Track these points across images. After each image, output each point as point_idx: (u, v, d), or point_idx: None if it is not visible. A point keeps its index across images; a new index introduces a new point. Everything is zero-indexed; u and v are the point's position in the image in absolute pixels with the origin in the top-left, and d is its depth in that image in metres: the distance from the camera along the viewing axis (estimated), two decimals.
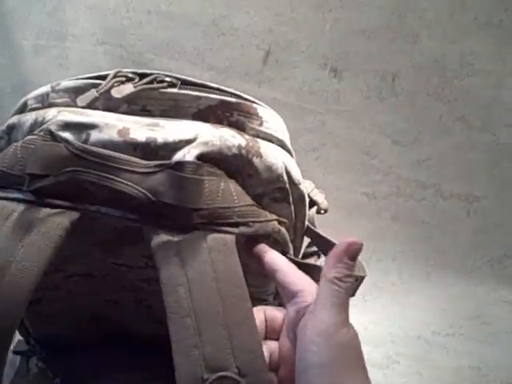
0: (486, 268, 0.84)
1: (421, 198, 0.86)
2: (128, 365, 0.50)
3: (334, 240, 0.49)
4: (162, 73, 0.39)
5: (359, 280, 0.42)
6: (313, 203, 0.50)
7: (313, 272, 0.39)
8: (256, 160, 0.37)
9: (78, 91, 0.39)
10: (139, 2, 0.84)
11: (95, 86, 0.38)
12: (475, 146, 0.83)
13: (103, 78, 0.39)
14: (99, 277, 0.43)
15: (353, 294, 0.43)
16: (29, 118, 0.38)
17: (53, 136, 0.34)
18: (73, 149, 0.34)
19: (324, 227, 0.88)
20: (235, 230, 0.35)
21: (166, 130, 0.36)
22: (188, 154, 0.35)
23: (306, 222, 0.46)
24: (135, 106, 0.38)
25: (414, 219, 0.87)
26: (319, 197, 0.50)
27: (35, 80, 0.88)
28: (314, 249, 0.51)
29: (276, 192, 0.40)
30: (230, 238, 0.34)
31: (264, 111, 0.40)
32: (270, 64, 0.84)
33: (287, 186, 0.40)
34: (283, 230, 0.39)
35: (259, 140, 0.39)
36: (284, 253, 0.40)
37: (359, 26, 0.81)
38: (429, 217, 0.86)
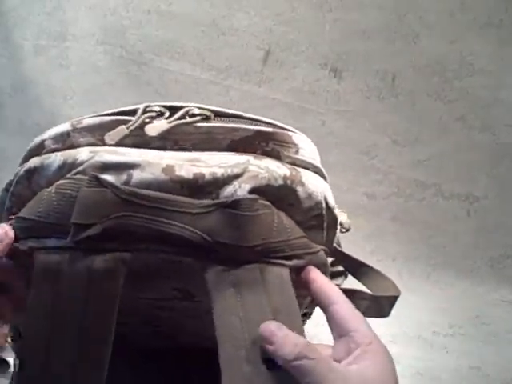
0: (485, 268, 0.84)
1: (421, 198, 0.86)
2: (129, 376, 0.49)
3: (359, 258, 0.48)
4: (192, 105, 0.37)
5: (393, 299, 0.42)
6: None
7: (353, 297, 0.39)
8: (299, 189, 0.37)
9: (103, 129, 0.36)
10: (139, 1, 0.84)
11: (122, 122, 0.36)
12: (475, 146, 0.83)
13: (128, 113, 0.37)
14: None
15: (389, 314, 0.43)
16: (54, 159, 0.35)
17: (98, 181, 0.32)
18: (120, 193, 0.32)
19: None
20: (289, 262, 0.35)
21: (210, 164, 0.35)
22: (239, 189, 0.34)
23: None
24: (167, 141, 0.36)
25: (414, 219, 0.87)
26: (343, 216, 0.50)
27: (35, 80, 0.88)
28: (339, 268, 0.50)
29: (312, 220, 0.39)
30: (285, 271, 0.34)
31: (299, 138, 0.39)
32: (270, 64, 0.84)
33: (324, 212, 0.39)
34: (326, 257, 0.39)
35: (299, 169, 0.38)
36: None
37: (359, 26, 0.81)
38: (429, 217, 0.86)
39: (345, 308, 0.35)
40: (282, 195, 0.36)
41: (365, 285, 0.49)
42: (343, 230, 0.51)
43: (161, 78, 0.86)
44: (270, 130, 0.37)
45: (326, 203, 0.39)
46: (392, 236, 0.87)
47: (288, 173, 0.37)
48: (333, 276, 0.49)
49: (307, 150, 0.39)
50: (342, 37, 0.82)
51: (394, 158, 0.86)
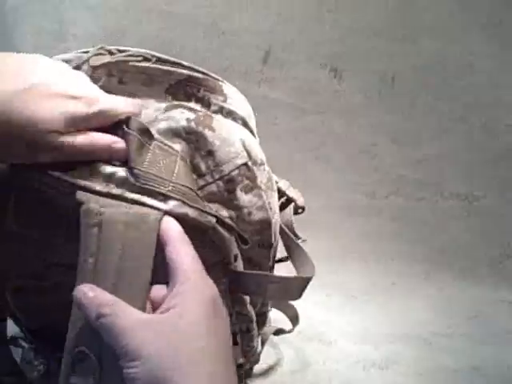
0: (485, 268, 0.84)
1: (420, 197, 0.87)
2: None
3: (302, 246, 0.47)
4: (142, 50, 0.41)
5: (303, 282, 0.41)
6: (289, 201, 0.50)
7: (259, 281, 0.39)
8: (208, 133, 0.38)
9: (69, 62, 0.41)
10: (139, 1, 0.84)
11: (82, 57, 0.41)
12: (475, 146, 0.83)
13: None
14: None
15: (299, 296, 0.42)
16: None
17: None
18: None
19: (324, 227, 0.88)
20: (163, 205, 0.34)
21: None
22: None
23: (278, 219, 0.45)
24: (113, 77, 0.40)
25: (413, 219, 0.87)
26: (295, 194, 0.50)
27: None
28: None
29: (245, 178, 0.40)
30: (155, 216, 0.33)
31: (229, 89, 0.41)
32: (270, 64, 0.84)
33: (250, 163, 0.40)
34: (223, 232, 0.38)
35: (215, 115, 0.40)
36: (225, 263, 0.39)
37: (359, 26, 0.81)
38: (429, 216, 0.86)
39: (177, 249, 0.33)
40: (191, 139, 0.38)
41: (292, 262, 0.48)
42: (300, 211, 0.51)
43: None
44: (200, 76, 0.40)
45: (250, 155, 0.40)
46: (392, 236, 0.87)
47: (193, 116, 0.39)
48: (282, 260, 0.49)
49: (236, 100, 0.41)
50: (341, 37, 0.82)
51: (394, 157, 0.86)
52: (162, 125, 0.38)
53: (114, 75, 0.40)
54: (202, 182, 0.39)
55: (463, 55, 0.80)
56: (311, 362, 0.62)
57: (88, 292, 0.31)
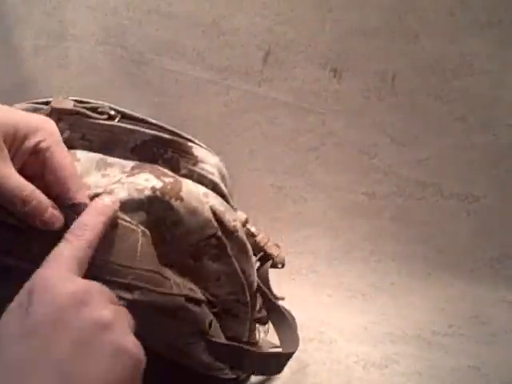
0: (485, 268, 0.84)
1: (420, 197, 0.86)
2: None
3: (278, 303, 0.46)
4: (106, 104, 0.40)
5: (283, 358, 0.42)
6: (268, 257, 0.47)
7: (234, 353, 0.38)
8: (176, 203, 0.35)
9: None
10: (139, 1, 0.84)
11: (39, 108, 0.40)
12: (475, 146, 0.83)
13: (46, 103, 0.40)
14: None
15: (278, 372, 0.44)
16: None
17: None
18: None
19: (324, 227, 0.88)
20: (128, 295, 0.32)
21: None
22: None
23: (256, 279, 0.44)
24: (75, 133, 0.38)
25: (413, 219, 0.87)
26: (274, 249, 0.48)
27: (35, 80, 0.88)
28: (263, 313, 0.48)
29: (212, 248, 0.38)
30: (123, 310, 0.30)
31: (199, 151, 0.39)
32: (270, 64, 0.84)
33: (219, 233, 0.38)
34: (193, 308, 0.37)
35: (185, 181, 0.37)
36: (201, 332, 0.38)
37: (359, 26, 0.81)
38: (428, 217, 0.86)
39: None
40: (157, 210, 0.35)
41: (274, 328, 0.47)
42: (279, 266, 0.48)
43: (161, 78, 0.86)
44: (167, 136, 0.38)
45: (222, 223, 0.38)
46: (391, 236, 0.87)
47: (159, 185, 0.36)
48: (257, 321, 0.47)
49: (207, 163, 0.39)
50: (341, 37, 0.82)
51: (394, 157, 0.86)
52: (124, 194, 0.35)
53: (76, 131, 0.38)
54: (166, 248, 0.36)
55: (463, 55, 0.80)
56: (311, 361, 0.62)
57: None
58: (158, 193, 0.35)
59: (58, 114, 0.39)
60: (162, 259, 0.36)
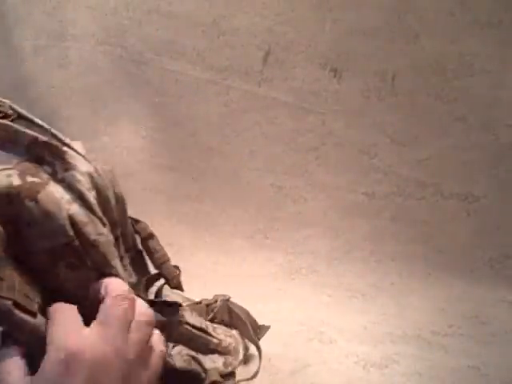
0: (485, 268, 0.84)
1: (420, 197, 0.86)
2: None
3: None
4: (8, 103, 0.38)
5: None
6: (162, 277, 0.47)
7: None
8: (30, 204, 0.35)
9: None
10: (139, 1, 0.84)
11: None
12: (475, 146, 0.83)
13: None
14: None
15: None
16: None
17: None
18: None
19: (324, 227, 0.88)
20: None
21: None
22: None
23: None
24: None
25: (413, 219, 0.87)
26: (171, 271, 0.47)
27: (35, 80, 0.88)
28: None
29: (69, 256, 0.37)
30: None
31: (74, 157, 0.38)
32: (270, 64, 0.84)
33: (76, 242, 0.37)
34: (23, 316, 0.35)
35: (51, 185, 0.37)
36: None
37: (359, 26, 0.81)
38: (428, 217, 0.86)
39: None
40: (13, 208, 0.35)
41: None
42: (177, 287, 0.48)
43: (161, 78, 0.86)
44: (44, 138, 0.37)
45: (80, 233, 0.37)
46: (391, 236, 0.87)
47: (17, 183, 0.35)
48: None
49: (78, 171, 0.38)
50: (341, 37, 0.82)
51: (394, 157, 0.86)
52: None
53: None
54: (22, 248, 0.36)
55: (463, 55, 0.80)
56: (311, 361, 0.62)
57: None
58: (12, 190, 0.35)
59: None
60: (17, 257, 0.36)
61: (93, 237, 0.38)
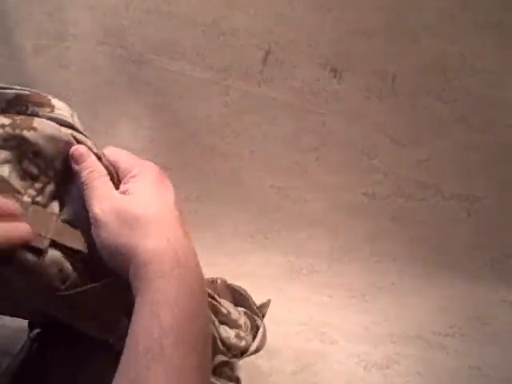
0: (486, 268, 0.84)
1: (421, 198, 0.86)
2: None
3: None
4: None
5: None
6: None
7: None
8: (29, 133, 0.37)
9: None
10: (139, 1, 0.84)
11: None
12: (475, 146, 0.83)
13: None
14: None
15: None
16: None
17: None
18: None
19: (324, 228, 0.88)
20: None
21: None
22: None
23: None
24: None
25: (414, 219, 0.87)
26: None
27: (35, 80, 0.88)
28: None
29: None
30: None
31: (57, 102, 0.41)
32: (270, 64, 0.84)
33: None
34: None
35: (36, 118, 0.39)
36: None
37: (359, 26, 0.81)
38: (429, 217, 0.86)
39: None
40: (14, 146, 0.37)
41: None
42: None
43: (161, 78, 0.86)
44: (27, 92, 0.40)
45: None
46: (392, 236, 0.87)
47: (8, 122, 0.38)
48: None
49: (64, 110, 0.41)
50: (341, 37, 0.82)
51: (394, 158, 0.86)
52: None
53: None
54: (39, 185, 0.38)
55: (463, 55, 0.80)
56: (312, 362, 0.62)
57: (86, 154, 0.39)
58: (7, 128, 0.37)
59: None
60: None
61: (95, 149, 0.41)
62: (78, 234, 0.39)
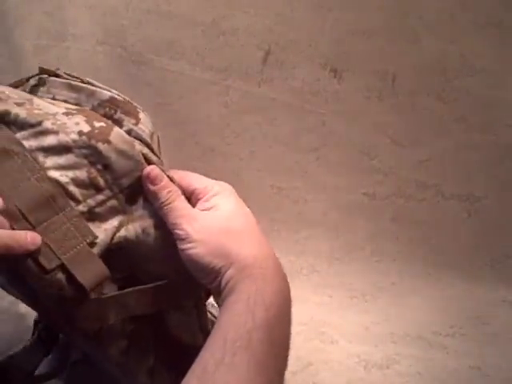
0: (486, 268, 0.84)
1: (421, 198, 0.86)
2: None
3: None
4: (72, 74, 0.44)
5: None
6: None
7: None
8: (103, 146, 0.38)
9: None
10: (139, 1, 0.84)
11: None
12: (475, 146, 0.83)
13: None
14: None
15: None
16: None
17: None
18: None
19: (324, 228, 0.88)
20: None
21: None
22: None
23: None
24: (49, 94, 0.42)
25: (414, 220, 0.87)
26: None
27: None
28: None
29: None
30: None
31: (144, 117, 0.42)
32: (270, 64, 0.84)
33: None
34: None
35: (115, 129, 0.39)
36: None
37: (359, 26, 0.81)
38: (429, 217, 0.86)
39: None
40: (84, 153, 0.38)
41: None
42: None
43: (161, 78, 0.86)
44: (120, 98, 0.41)
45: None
46: (392, 236, 0.87)
47: (87, 129, 0.38)
48: None
49: (146, 127, 0.42)
50: (341, 37, 0.82)
51: (394, 158, 0.86)
52: (51, 140, 0.37)
53: (50, 92, 0.42)
54: (101, 197, 0.38)
55: (463, 55, 0.80)
56: (312, 362, 0.62)
57: (160, 176, 0.40)
58: (84, 137, 0.37)
59: (40, 73, 0.43)
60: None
61: (167, 172, 0.41)
62: (97, 265, 0.38)
